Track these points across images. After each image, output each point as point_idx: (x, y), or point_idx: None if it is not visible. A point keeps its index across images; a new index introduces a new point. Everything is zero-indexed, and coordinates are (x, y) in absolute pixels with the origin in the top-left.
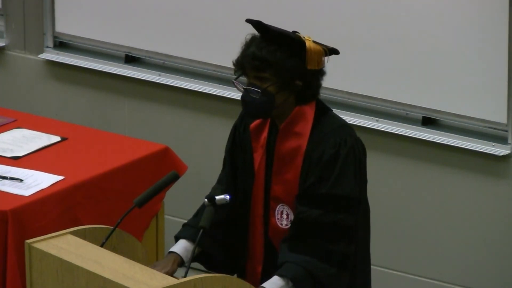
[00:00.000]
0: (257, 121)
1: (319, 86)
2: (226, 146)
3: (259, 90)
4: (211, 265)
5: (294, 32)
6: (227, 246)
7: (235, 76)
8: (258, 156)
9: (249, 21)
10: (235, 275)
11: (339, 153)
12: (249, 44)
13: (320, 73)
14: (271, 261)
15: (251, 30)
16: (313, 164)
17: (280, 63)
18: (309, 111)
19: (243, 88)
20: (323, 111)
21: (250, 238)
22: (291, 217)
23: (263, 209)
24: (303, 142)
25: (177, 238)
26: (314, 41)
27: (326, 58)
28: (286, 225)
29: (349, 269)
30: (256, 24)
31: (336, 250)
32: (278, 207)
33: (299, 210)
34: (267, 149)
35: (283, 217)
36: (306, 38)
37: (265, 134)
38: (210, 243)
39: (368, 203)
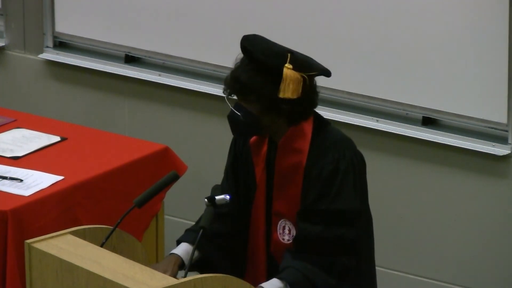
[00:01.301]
0: (256, 136)
1: (312, 105)
2: (228, 157)
3: (239, 114)
4: (211, 272)
5: (290, 50)
6: (229, 254)
7: (226, 95)
8: (259, 171)
9: (243, 39)
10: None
11: (338, 168)
12: (238, 66)
13: (309, 96)
14: (274, 275)
15: (251, 30)
16: (313, 180)
17: (259, 89)
18: (307, 127)
19: (230, 108)
20: (321, 125)
21: (252, 252)
22: (293, 232)
23: (265, 223)
24: (303, 158)
25: (178, 242)
26: (298, 65)
27: (313, 82)
28: (288, 240)
29: (349, 282)
30: (242, 46)
31: (338, 262)
32: (280, 222)
33: (301, 226)
34: (268, 164)
35: (285, 232)
36: (286, 66)
37: (264, 149)
38: (211, 248)
39: (370, 213)
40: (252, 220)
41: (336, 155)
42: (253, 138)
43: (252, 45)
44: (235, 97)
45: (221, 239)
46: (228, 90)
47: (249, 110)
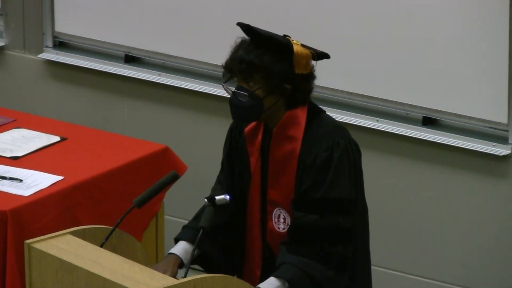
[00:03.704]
0: (251, 125)
1: (309, 90)
2: (224, 148)
3: (246, 94)
4: (210, 268)
5: (285, 36)
6: (227, 249)
7: (224, 80)
8: (254, 160)
9: (239, 24)
10: (235, 277)
11: (332, 156)
12: (238, 48)
13: (310, 77)
14: (269, 265)
15: None
16: (307, 168)
17: (268, 67)
18: (301, 114)
19: (231, 91)
20: (315, 113)
21: (248, 242)
22: (288, 220)
23: (260, 212)
24: (297, 146)
25: (176, 240)
26: (302, 45)
27: (314, 62)
28: (283, 228)
29: (347, 271)
30: (245, 27)
31: (335, 252)
32: (275, 211)
33: (296, 215)
34: (262, 152)
35: (280, 221)
36: (294, 42)
37: (259, 137)
38: (210, 245)
39: (365, 203)
40: (247, 209)
41: (331, 143)
42: (248, 128)
43: (254, 27)
44: (231, 87)
45: (218, 232)
46: (229, 74)
47: (252, 91)
